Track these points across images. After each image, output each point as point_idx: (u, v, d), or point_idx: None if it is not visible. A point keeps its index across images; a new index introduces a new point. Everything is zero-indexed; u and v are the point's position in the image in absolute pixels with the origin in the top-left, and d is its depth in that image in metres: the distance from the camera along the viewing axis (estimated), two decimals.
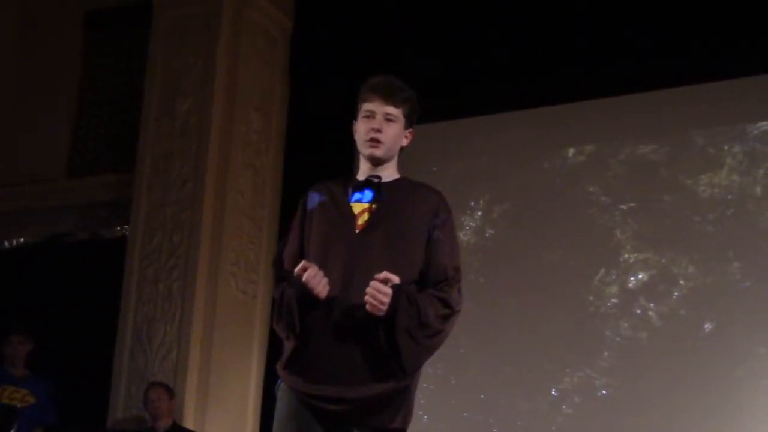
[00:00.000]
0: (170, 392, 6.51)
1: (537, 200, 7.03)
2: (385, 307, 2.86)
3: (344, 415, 2.94)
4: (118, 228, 7.91)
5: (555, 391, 6.65)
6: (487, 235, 7.15)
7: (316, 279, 2.89)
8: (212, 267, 7.06)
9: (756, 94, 6.53)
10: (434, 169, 7.34)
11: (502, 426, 6.76)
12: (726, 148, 6.58)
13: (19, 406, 6.50)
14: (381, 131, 3.09)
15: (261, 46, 7.79)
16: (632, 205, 6.74)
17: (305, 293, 2.91)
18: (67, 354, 7.28)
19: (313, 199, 3.16)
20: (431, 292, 3.00)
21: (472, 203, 7.22)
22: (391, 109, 3.12)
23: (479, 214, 7.20)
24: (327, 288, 2.90)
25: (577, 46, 6.81)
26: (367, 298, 2.86)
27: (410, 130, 3.20)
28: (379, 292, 2.86)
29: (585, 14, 6.81)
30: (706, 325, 6.35)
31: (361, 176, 3.16)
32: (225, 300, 7.08)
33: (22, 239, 8.43)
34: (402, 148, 3.22)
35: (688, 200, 6.58)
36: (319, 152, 7.38)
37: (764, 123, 6.51)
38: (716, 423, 6.11)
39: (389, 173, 3.17)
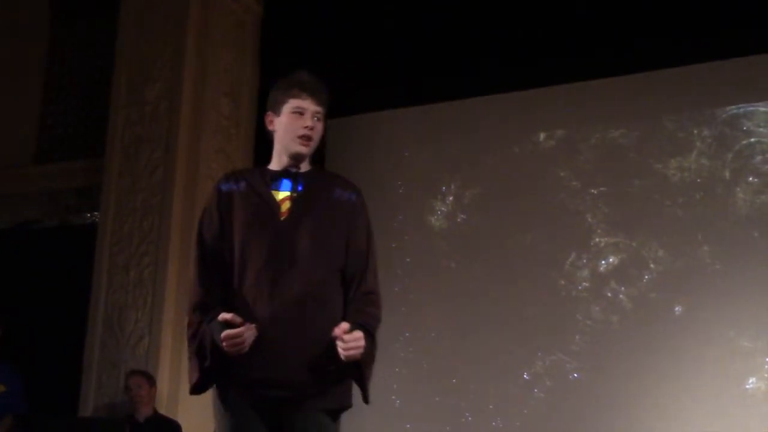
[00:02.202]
0: (151, 380, 6.47)
1: (508, 185, 7.05)
2: (357, 357, 2.95)
3: (286, 400, 2.98)
4: (88, 215, 7.86)
5: (527, 375, 6.68)
6: (458, 219, 7.16)
7: (235, 347, 2.90)
8: (183, 253, 7.02)
9: (725, 78, 6.57)
10: (406, 154, 7.34)
11: (474, 410, 6.79)
12: (695, 132, 6.62)
13: None
14: (314, 129, 3.18)
15: (230, 31, 7.74)
16: (603, 189, 6.78)
17: (219, 346, 2.94)
18: (37, 342, 7.23)
19: (229, 186, 3.20)
20: (365, 300, 3.09)
21: (444, 188, 7.22)
22: (320, 108, 3.19)
23: (450, 199, 7.21)
24: (245, 348, 2.92)
25: (547, 31, 6.82)
26: (348, 353, 2.91)
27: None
28: (356, 342, 2.93)
29: (555, 1, 6.82)
30: (677, 308, 6.40)
31: (277, 167, 3.22)
32: None
33: None
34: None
35: (657, 184, 6.62)
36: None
37: (733, 107, 6.56)
38: (687, 405, 6.17)
39: (304, 165, 3.24)
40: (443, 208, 7.20)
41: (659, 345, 6.35)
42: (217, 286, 3.08)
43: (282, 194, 3.14)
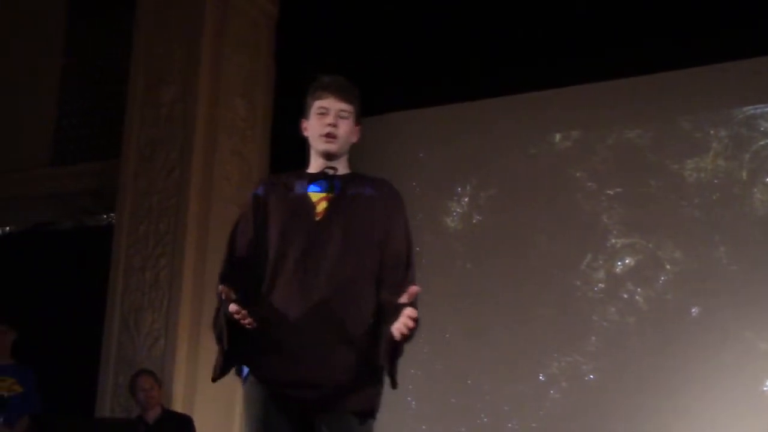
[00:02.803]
0: (158, 380, 6.50)
1: (523, 186, 7.04)
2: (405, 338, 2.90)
3: (314, 402, 2.98)
4: (104, 216, 7.89)
5: (542, 376, 6.67)
6: (474, 221, 7.15)
7: (239, 317, 2.88)
8: (199, 254, 7.04)
9: (741, 78, 6.54)
10: (421, 155, 7.34)
11: (490, 411, 6.78)
12: (712, 132, 6.59)
13: (5, 395, 6.48)
14: (336, 126, 3.17)
15: (246, 32, 7.76)
16: (619, 190, 6.75)
17: (232, 320, 2.93)
18: (54, 343, 7.26)
19: (267, 189, 3.22)
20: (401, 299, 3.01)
21: (459, 189, 7.22)
22: (344, 106, 3.19)
23: (466, 200, 7.20)
24: (252, 322, 2.90)
25: (563, 32, 6.80)
26: (403, 328, 2.85)
27: (359, 126, 3.28)
28: (413, 321, 2.87)
29: (571, 1, 6.80)
30: (693, 310, 6.37)
31: (314, 170, 3.22)
32: (212, 287, 7.03)
33: (6, 228, 8.39)
34: (353, 145, 3.29)
35: (674, 185, 6.60)
36: (305, 139, 7.36)
37: (750, 107, 6.52)
38: (703, 406, 6.14)
39: (342, 167, 3.24)
40: (459, 209, 7.19)
41: (675, 346, 6.33)
42: (239, 282, 3.03)
43: (318, 195, 3.14)
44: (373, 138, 7.17)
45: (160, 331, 6.89)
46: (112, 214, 7.63)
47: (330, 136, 3.17)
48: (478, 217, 7.15)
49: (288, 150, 7.50)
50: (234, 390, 7.17)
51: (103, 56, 8.33)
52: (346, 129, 3.20)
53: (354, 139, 3.25)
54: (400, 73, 7.16)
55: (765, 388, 6.07)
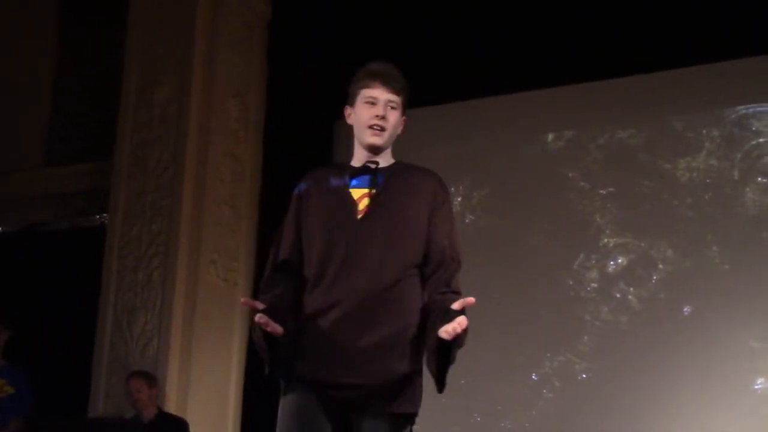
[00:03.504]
0: (150, 380, 6.46)
1: (516, 186, 7.05)
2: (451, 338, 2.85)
3: (355, 401, 2.93)
4: (97, 217, 7.88)
5: (535, 376, 6.68)
6: (466, 220, 7.16)
7: (267, 326, 2.84)
8: (192, 255, 7.04)
9: (733, 78, 6.56)
10: (412, 154, 7.28)
11: (483, 410, 6.78)
12: (704, 132, 6.61)
13: None
14: (385, 118, 3.09)
15: (239, 33, 7.76)
16: (611, 189, 6.77)
17: (266, 333, 2.89)
18: (46, 344, 7.25)
19: (308, 187, 3.13)
20: (450, 290, 2.99)
21: (452, 189, 7.19)
22: (393, 96, 3.10)
23: (459, 199, 7.20)
24: (276, 329, 2.85)
25: (556, 32, 6.81)
26: (451, 331, 2.81)
27: (404, 117, 3.19)
28: (461, 327, 2.83)
29: (563, 1, 6.82)
30: (685, 309, 6.39)
31: (357, 162, 3.13)
32: (205, 288, 7.07)
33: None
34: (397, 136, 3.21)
35: (666, 184, 6.61)
36: (298, 139, 7.37)
37: (742, 107, 6.54)
38: (695, 405, 6.16)
39: (385, 159, 3.15)
40: None
41: (668, 345, 6.34)
42: (282, 287, 3.02)
43: (360, 191, 3.05)
44: None
45: (153, 331, 6.88)
46: (105, 215, 7.63)
47: (378, 128, 3.08)
48: (470, 217, 7.16)
49: (281, 150, 7.53)
50: (226, 390, 7.19)
51: (97, 57, 8.32)
52: (393, 121, 3.11)
53: (399, 130, 3.17)
54: None
55: (756, 387, 6.08)
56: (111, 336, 7.01)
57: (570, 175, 6.89)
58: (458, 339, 2.86)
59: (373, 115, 3.07)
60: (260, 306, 2.86)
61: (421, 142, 7.34)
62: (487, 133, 7.21)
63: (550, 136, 7.07)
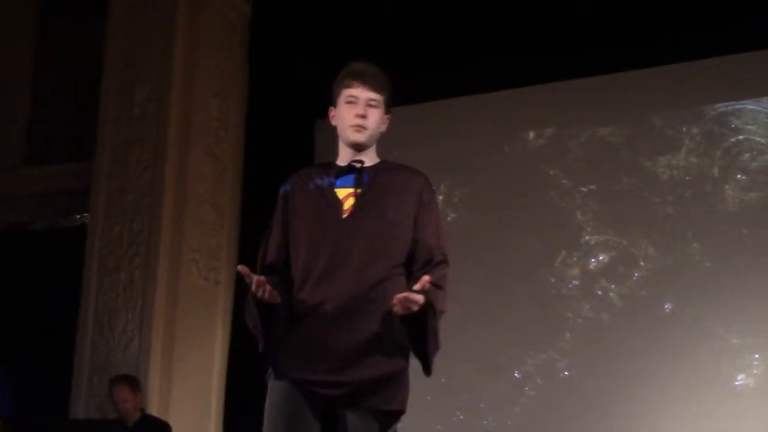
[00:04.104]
0: (134, 386, 6.39)
1: (498, 184, 7.06)
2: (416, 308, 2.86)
3: (342, 399, 2.94)
4: (78, 216, 7.85)
5: (518, 373, 6.69)
6: (448, 218, 7.16)
7: (259, 290, 2.86)
8: (174, 254, 7.02)
9: (712, 76, 6.60)
10: (394, 153, 7.29)
11: (466, 409, 6.79)
12: (684, 130, 6.64)
13: None
14: (365, 117, 3.10)
15: (220, 32, 7.74)
16: (592, 187, 6.79)
17: (259, 301, 2.91)
18: (27, 345, 7.21)
19: (294, 187, 3.14)
20: (434, 281, 2.96)
21: (433, 187, 7.21)
22: (374, 95, 3.11)
23: (440, 198, 7.20)
24: (274, 295, 2.88)
25: (536, 30, 6.83)
26: (397, 308, 2.83)
27: (388, 116, 3.20)
28: (412, 304, 2.83)
29: (544, 0, 6.85)
30: (666, 306, 6.42)
31: (342, 162, 3.15)
32: (187, 287, 7.05)
33: None
34: (381, 134, 3.21)
35: (647, 182, 6.64)
36: (279, 138, 7.36)
37: (721, 105, 6.58)
38: (677, 401, 6.18)
39: (371, 158, 3.16)
40: None
41: (649, 342, 6.37)
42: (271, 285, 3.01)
43: (345, 191, 3.07)
44: None
45: (134, 331, 6.86)
46: (85, 215, 7.59)
47: (359, 127, 3.09)
48: (452, 215, 7.16)
49: (262, 150, 7.52)
50: (209, 389, 7.17)
51: (77, 56, 8.27)
52: (374, 119, 3.12)
53: (383, 128, 3.18)
54: None
55: (737, 383, 6.12)
56: (92, 336, 6.98)
57: (551, 172, 6.91)
58: (432, 305, 2.90)
59: (354, 114, 3.09)
60: (255, 276, 2.86)
61: (403, 140, 7.34)
62: (469, 131, 7.22)
63: (531, 134, 7.09)
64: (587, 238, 6.74)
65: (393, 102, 3.19)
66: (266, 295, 2.87)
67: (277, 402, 2.98)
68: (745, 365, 6.14)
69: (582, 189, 6.81)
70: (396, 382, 2.98)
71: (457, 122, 7.24)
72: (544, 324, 6.68)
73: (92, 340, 6.97)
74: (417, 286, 2.83)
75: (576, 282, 6.70)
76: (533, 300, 6.73)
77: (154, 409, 6.61)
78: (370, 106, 3.11)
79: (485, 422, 6.74)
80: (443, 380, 6.84)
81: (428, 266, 3.03)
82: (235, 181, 7.65)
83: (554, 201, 6.86)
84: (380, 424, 2.96)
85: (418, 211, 3.08)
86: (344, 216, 3.02)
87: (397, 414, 3.00)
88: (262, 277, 2.86)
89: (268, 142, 7.45)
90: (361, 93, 3.10)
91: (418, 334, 2.96)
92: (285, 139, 7.29)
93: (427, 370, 3.03)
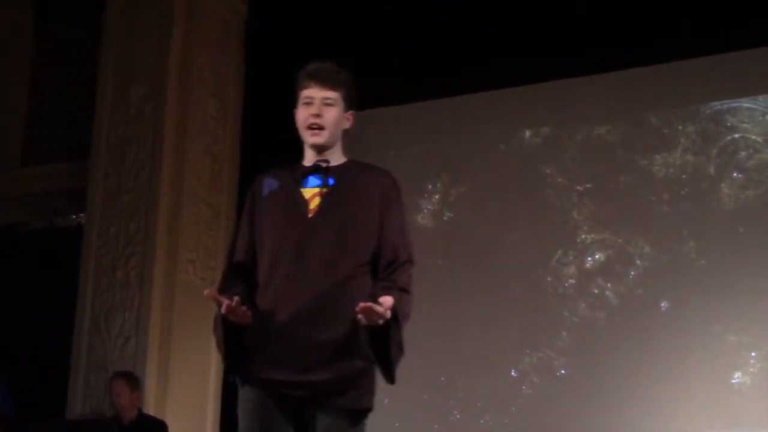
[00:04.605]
0: (133, 383, 6.41)
1: (494, 183, 7.06)
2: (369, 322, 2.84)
3: (310, 400, 2.94)
4: (74, 216, 7.84)
5: (515, 372, 6.70)
6: (445, 218, 7.17)
7: (236, 314, 2.88)
8: (170, 254, 7.02)
9: (708, 74, 6.60)
10: (391, 152, 7.34)
11: (463, 408, 6.80)
12: (680, 128, 6.65)
13: None
14: (321, 116, 3.08)
15: (216, 31, 7.74)
16: (588, 186, 6.80)
17: (230, 324, 2.93)
18: (24, 345, 7.21)
19: (262, 187, 3.15)
20: (396, 286, 2.98)
21: (430, 186, 7.23)
22: (329, 93, 3.10)
23: (437, 197, 7.22)
24: (247, 317, 2.90)
25: (533, 29, 6.83)
26: (373, 315, 2.81)
27: (351, 112, 3.17)
28: (378, 315, 2.81)
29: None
30: (663, 304, 6.42)
31: (308, 162, 3.14)
32: (183, 287, 7.05)
33: None
34: (346, 131, 3.20)
35: (643, 180, 6.64)
36: (276, 138, 7.34)
37: (717, 103, 6.58)
38: (673, 399, 6.19)
39: (336, 157, 3.15)
40: (429, 207, 7.21)
41: (646, 341, 6.37)
42: (238, 287, 3.05)
43: (312, 191, 3.06)
44: (344, 135, 7.18)
45: (131, 331, 6.86)
46: (82, 214, 7.59)
47: (315, 128, 3.08)
48: (449, 214, 7.17)
49: (259, 149, 7.52)
50: (206, 389, 7.17)
51: (73, 56, 8.27)
52: (332, 117, 3.09)
53: (346, 125, 3.15)
54: (369, 70, 7.14)
55: (734, 381, 6.13)
56: (89, 336, 6.98)
57: (547, 171, 6.91)
58: (388, 330, 2.87)
59: (309, 114, 3.09)
60: (225, 300, 2.88)
61: (400, 140, 7.37)
62: (465, 130, 7.22)
63: (528, 133, 7.09)
64: (583, 236, 6.74)
65: (356, 97, 3.18)
66: (238, 319, 2.89)
67: (249, 405, 3.00)
68: (741, 363, 6.15)
69: (578, 188, 6.81)
70: (363, 380, 2.98)
71: (453, 121, 7.24)
72: (540, 323, 6.69)
73: (89, 340, 6.97)
74: (379, 310, 2.79)
75: (572, 281, 6.70)
76: (529, 299, 6.74)
77: (150, 409, 6.61)
78: (326, 105, 3.09)
79: (482, 421, 6.75)
80: (441, 379, 6.87)
81: (393, 265, 3.02)
82: (231, 180, 7.65)
83: (550, 200, 6.87)
84: (349, 422, 2.96)
85: (384, 210, 3.07)
86: (310, 216, 3.02)
87: (365, 412, 3.01)
88: (234, 300, 2.85)
89: (265, 141, 7.44)
90: (316, 93, 3.10)
91: (380, 343, 2.92)
92: (282, 138, 7.27)
93: (390, 378, 2.99)
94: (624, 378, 6.35)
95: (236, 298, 2.86)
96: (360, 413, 3.00)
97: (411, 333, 7.06)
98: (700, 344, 6.23)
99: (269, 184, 3.13)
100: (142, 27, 7.47)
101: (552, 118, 7.02)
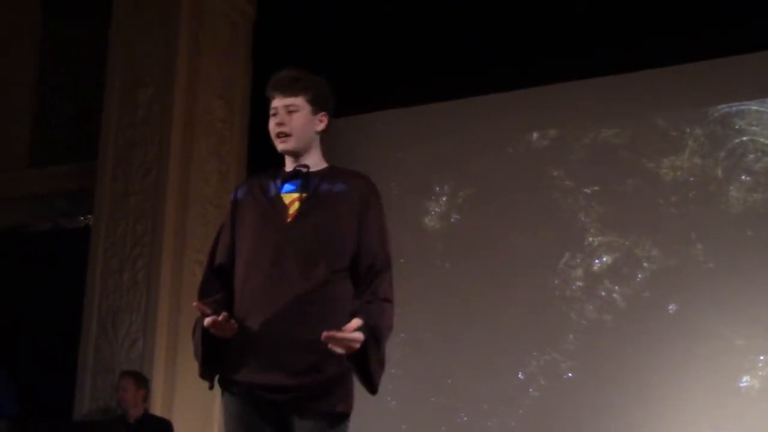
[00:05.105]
0: (139, 381, 6.42)
1: (501, 185, 7.06)
2: (346, 351, 2.87)
3: (289, 404, 2.96)
4: (81, 218, 7.84)
5: (521, 375, 6.69)
6: (452, 220, 7.17)
7: (219, 330, 2.91)
8: (177, 255, 7.02)
9: (716, 77, 6.59)
10: (399, 155, 7.35)
11: (469, 410, 6.79)
12: (687, 131, 6.64)
13: None
14: (284, 124, 3.12)
15: (223, 33, 7.74)
16: (596, 188, 6.79)
17: (211, 336, 2.96)
18: (31, 346, 7.22)
19: (244, 193, 3.19)
20: (376, 308, 3.00)
21: (437, 188, 7.23)
22: (291, 100, 3.13)
23: (444, 199, 7.22)
24: (233, 330, 2.92)
25: (539, 31, 6.83)
26: (338, 349, 2.84)
27: (322, 113, 3.19)
28: (349, 342, 2.84)
29: (548, 1, 6.83)
30: (670, 307, 6.41)
31: (288, 168, 3.18)
32: (190, 288, 7.03)
33: None
34: (324, 133, 3.22)
35: (650, 183, 6.64)
36: None
37: (724, 106, 6.57)
38: (681, 403, 6.18)
39: (314, 162, 3.18)
40: (437, 209, 7.21)
41: (653, 344, 6.36)
42: (219, 291, 3.08)
43: (291, 196, 3.10)
44: (352, 138, 7.19)
45: (138, 333, 6.86)
46: (89, 216, 7.59)
47: (281, 136, 3.12)
48: (456, 217, 7.17)
49: (266, 151, 7.51)
50: (213, 391, 7.16)
51: (80, 57, 8.27)
52: (297, 123, 3.13)
53: (317, 128, 3.17)
54: (378, 73, 7.17)
55: (742, 385, 6.11)
56: (96, 338, 6.98)
57: (555, 173, 6.91)
58: (366, 352, 2.89)
59: (275, 124, 3.13)
60: (211, 315, 2.90)
61: (407, 142, 7.37)
62: (472, 132, 7.22)
63: (535, 135, 7.08)
64: (591, 239, 6.74)
65: (325, 99, 3.19)
66: (224, 335, 2.92)
67: (230, 410, 3.03)
68: (749, 366, 6.14)
69: (585, 190, 6.81)
70: (341, 384, 2.98)
71: (461, 124, 7.24)
72: (547, 325, 6.69)
73: (96, 342, 6.97)
74: (345, 336, 2.83)
75: (579, 283, 6.70)
76: (537, 301, 6.73)
77: (157, 410, 6.61)
78: (290, 112, 3.13)
79: (489, 423, 6.74)
80: (448, 381, 6.86)
81: (372, 271, 3.04)
82: (239, 182, 7.63)
83: (558, 202, 6.86)
84: (329, 426, 2.96)
85: (362, 215, 3.09)
86: (288, 220, 3.05)
87: (344, 416, 3.01)
88: (222, 316, 2.87)
89: (272, 143, 7.44)
90: (279, 102, 3.14)
91: (360, 362, 2.94)
92: None
93: (372, 390, 3.00)
94: (631, 381, 6.35)
95: (224, 314, 2.88)
96: (339, 417, 2.99)
97: (418, 335, 7.10)
98: (708, 347, 6.22)
99: (251, 189, 3.18)
100: (149, 28, 7.47)
101: (559, 121, 7.02)
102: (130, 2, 7.59)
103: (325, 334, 2.80)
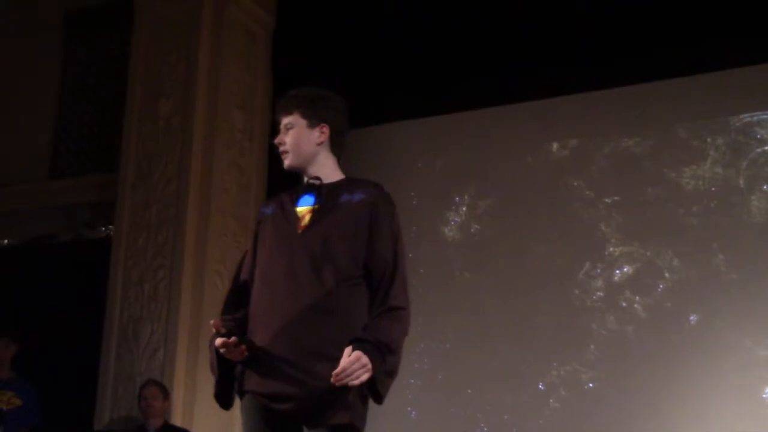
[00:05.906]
0: (165, 392, 6.47)
1: (521, 195, 7.05)
2: (368, 375, 2.90)
3: (293, 413, 2.98)
4: (103, 228, 7.88)
5: (542, 385, 6.67)
6: (472, 230, 7.16)
7: (229, 353, 2.99)
8: (198, 266, 7.04)
9: (737, 86, 6.56)
10: (419, 165, 7.35)
11: (490, 420, 6.77)
12: (709, 140, 6.61)
13: (4, 408, 6.47)
14: (282, 142, 3.27)
15: (243, 44, 7.77)
16: (616, 198, 6.76)
17: (222, 357, 3.04)
18: (53, 356, 7.25)
19: (265, 212, 3.30)
20: (388, 316, 3.03)
21: (457, 198, 7.22)
22: (287, 119, 3.27)
23: (464, 209, 7.21)
24: (243, 355, 2.98)
25: (560, 41, 6.81)
26: (346, 381, 2.87)
27: (322, 125, 3.27)
28: (357, 369, 2.88)
29: (568, 10, 6.82)
30: (692, 318, 6.37)
31: (304, 182, 3.29)
32: (211, 298, 7.06)
33: (5, 241, 8.39)
34: (335, 144, 3.30)
35: (672, 193, 6.61)
36: None
37: (746, 115, 6.54)
38: (703, 414, 6.13)
39: (327, 173, 3.26)
40: (457, 219, 7.20)
41: (674, 355, 6.33)
42: (242, 309, 3.17)
43: (305, 209, 3.18)
44: (371, 148, 7.19)
45: (159, 342, 6.88)
46: (110, 227, 7.63)
47: (283, 154, 3.27)
48: (476, 227, 7.16)
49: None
50: (234, 402, 7.17)
51: (101, 69, 8.33)
52: (293, 139, 3.25)
53: (316, 140, 3.25)
54: (397, 83, 7.17)
55: (765, 396, 6.07)
56: (117, 347, 7.01)
57: (575, 183, 6.89)
58: (375, 374, 2.92)
59: (275, 143, 3.31)
60: (223, 331, 2.97)
61: (427, 152, 7.37)
62: (492, 142, 7.22)
63: (555, 145, 7.07)
64: (611, 249, 6.71)
65: (322, 111, 3.27)
66: (232, 357, 3.00)
67: (245, 420, 3.10)
68: None
69: (606, 200, 6.78)
70: (346, 395, 2.96)
71: (481, 134, 7.24)
72: (568, 336, 6.66)
73: (117, 351, 7.00)
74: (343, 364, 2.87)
75: (600, 293, 6.67)
76: (557, 312, 6.71)
77: (178, 420, 6.63)
78: (287, 130, 3.27)
79: None
80: (468, 392, 6.84)
81: (384, 281, 3.08)
82: (259, 192, 7.67)
83: (578, 212, 6.84)
84: None
85: (373, 223, 3.14)
86: (300, 231, 3.12)
87: (351, 427, 3.00)
88: (232, 339, 2.93)
89: None
90: (280, 122, 3.30)
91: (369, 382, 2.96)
92: None
93: (378, 400, 3.04)
94: (652, 392, 6.31)
95: (234, 338, 2.94)
96: (347, 428, 2.99)
97: (438, 346, 7.09)
98: (730, 358, 6.17)
99: (273, 207, 3.28)
100: (170, 41, 7.52)
101: (580, 131, 7.01)
102: (151, 15, 7.64)
103: (332, 380, 2.86)
